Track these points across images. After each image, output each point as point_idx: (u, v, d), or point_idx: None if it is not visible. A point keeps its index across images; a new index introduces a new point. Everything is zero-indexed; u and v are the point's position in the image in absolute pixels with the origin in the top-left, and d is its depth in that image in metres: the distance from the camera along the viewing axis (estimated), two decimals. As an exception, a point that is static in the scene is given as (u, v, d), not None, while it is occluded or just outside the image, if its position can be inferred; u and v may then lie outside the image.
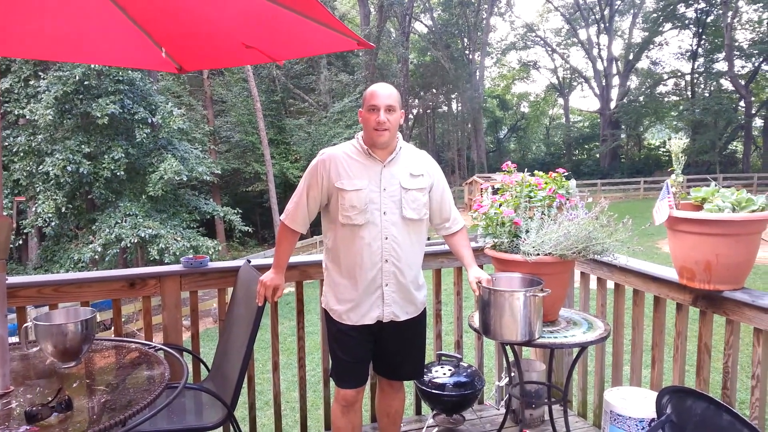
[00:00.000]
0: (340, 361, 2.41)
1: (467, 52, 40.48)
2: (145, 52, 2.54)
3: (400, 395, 2.60)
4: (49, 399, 1.58)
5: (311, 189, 2.33)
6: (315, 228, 2.45)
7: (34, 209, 15.74)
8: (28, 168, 15.57)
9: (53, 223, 15.47)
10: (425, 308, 2.50)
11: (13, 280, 2.47)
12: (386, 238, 2.27)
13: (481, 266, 3.01)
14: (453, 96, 41.99)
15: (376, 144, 2.27)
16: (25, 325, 2.06)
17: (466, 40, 40.45)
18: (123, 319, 2.86)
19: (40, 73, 15.65)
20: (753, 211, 1.99)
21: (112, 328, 2.67)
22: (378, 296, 2.31)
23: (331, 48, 2.36)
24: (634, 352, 2.69)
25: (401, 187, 2.29)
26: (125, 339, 2.23)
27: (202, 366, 2.80)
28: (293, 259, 2.81)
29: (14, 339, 2.23)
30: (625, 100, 39.09)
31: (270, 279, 2.39)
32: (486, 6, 39.24)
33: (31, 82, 15.67)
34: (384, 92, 2.26)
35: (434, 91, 41.39)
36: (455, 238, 2.51)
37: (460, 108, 42.28)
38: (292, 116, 27.40)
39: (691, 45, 37.88)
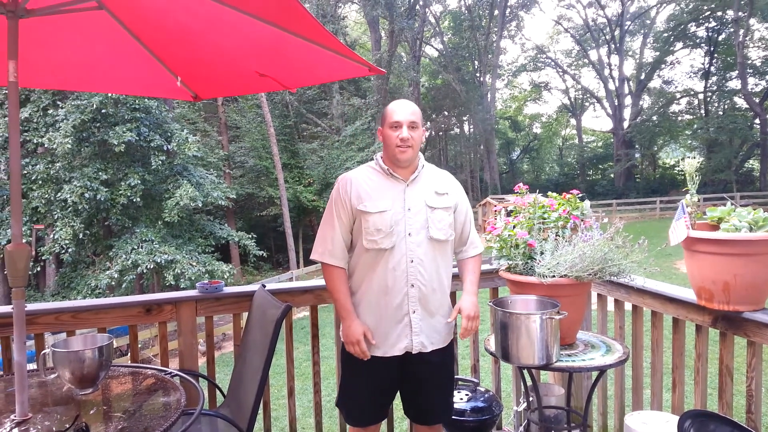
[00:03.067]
0: (360, 399, 2.30)
1: (478, 74, 40.76)
2: (161, 81, 2.60)
3: None
4: (67, 426, 1.59)
5: (340, 216, 2.21)
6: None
7: (52, 236, 15.94)
8: (47, 195, 15.81)
9: (71, 250, 15.65)
10: (452, 339, 2.38)
11: (31, 307, 2.50)
12: (411, 261, 2.16)
13: (495, 288, 2.98)
14: (465, 118, 42.19)
15: (399, 162, 2.18)
16: (43, 351, 2.07)
17: (476, 62, 40.77)
18: (139, 345, 2.87)
19: (58, 102, 15.99)
20: (771, 230, 1.97)
21: (129, 353, 2.68)
22: (405, 324, 2.18)
23: (343, 75, 2.39)
24: (654, 375, 2.64)
25: (427, 206, 2.19)
26: (141, 365, 2.23)
27: (217, 391, 2.79)
28: (307, 284, 2.83)
29: (32, 366, 2.25)
30: (638, 120, 39.00)
31: (353, 334, 2.17)
32: (496, 29, 39.59)
33: (50, 111, 16.00)
34: (407, 108, 2.18)
35: (446, 113, 41.64)
36: (466, 263, 2.40)
37: (472, 130, 42.43)
38: (305, 140, 27.66)
39: (703, 64, 37.87)
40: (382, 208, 2.15)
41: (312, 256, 2.30)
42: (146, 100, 16.04)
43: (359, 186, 2.21)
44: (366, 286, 2.21)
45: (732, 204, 2.19)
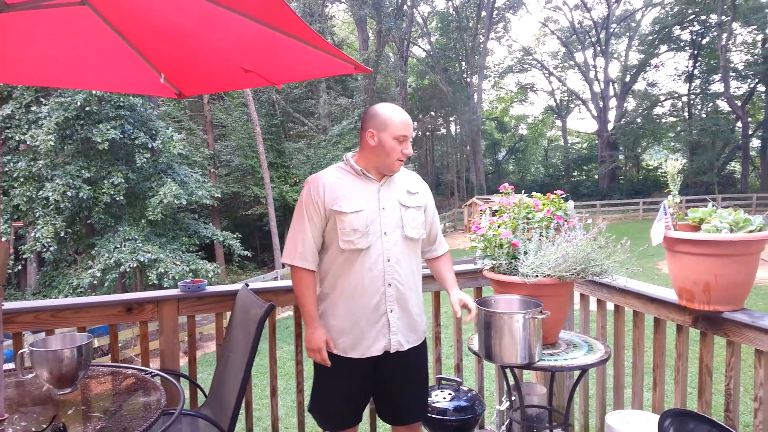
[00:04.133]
0: (336, 402, 2.27)
1: (465, 75, 40.89)
2: (145, 78, 2.57)
3: None
4: (44, 426, 1.56)
5: (312, 217, 2.18)
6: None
7: (33, 234, 15.73)
8: (28, 193, 15.58)
9: (52, 248, 15.44)
10: (425, 339, 2.40)
11: (10, 305, 2.46)
12: (388, 260, 2.16)
13: (479, 288, 3.00)
14: (451, 119, 42.32)
15: (391, 171, 2.21)
16: (21, 351, 2.04)
17: (463, 63, 40.91)
18: (120, 345, 2.84)
19: (41, 99, 15.78)
20: (751, 231, 1.99)
21: (110, 353, 2.65)
22: (383, 324, 2.18)
23: (329, 72, 2.38)
24: (635, 374, 2.67)
25: (401, 205, 2.21)
26: (122, 365, 2.21)
27: (199, 392, 2.77)
28: (291, 283, 2.79)
29: (10, 365, 2.22)
30: (622, 122, 39.36)
31: (315, 341, 2.16)
32: (483, 30, 39.74)
33: (33, 108, 15.77)
34: (410, 121, 2.20)
35: (433, 113, 41.72)
36: (439, 261, 2.46)
37: (458, 130, 42.59)
38: (291, 140, 27.55)
39: (687, 67, 38.32)
40: (358, 207, 2.14)
41: (282, 260, 2.27)
42: (131, 97, 15.86)
43: (332, 186, 2.18)
44: (341, 288, 2.18)
45: (713, 205, 2.22)
